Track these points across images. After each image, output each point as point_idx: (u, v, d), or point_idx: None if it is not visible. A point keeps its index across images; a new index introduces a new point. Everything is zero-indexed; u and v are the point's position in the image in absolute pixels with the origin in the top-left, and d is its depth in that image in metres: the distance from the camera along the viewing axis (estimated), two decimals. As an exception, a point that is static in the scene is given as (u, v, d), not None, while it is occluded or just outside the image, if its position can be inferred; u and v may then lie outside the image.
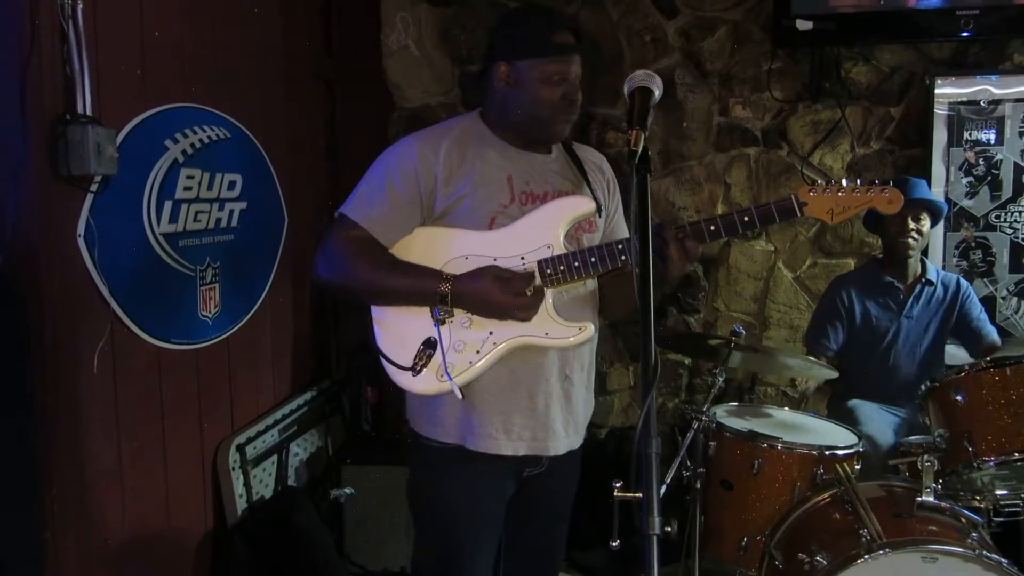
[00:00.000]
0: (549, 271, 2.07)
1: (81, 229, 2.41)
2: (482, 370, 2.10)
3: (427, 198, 2.12)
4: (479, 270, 2.06)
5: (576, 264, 2.06)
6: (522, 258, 2.09)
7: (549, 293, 2.09)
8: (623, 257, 2.04)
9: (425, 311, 2.11)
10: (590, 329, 2.12)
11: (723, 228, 2.02)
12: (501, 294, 2.02)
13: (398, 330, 2.15)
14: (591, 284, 2.23)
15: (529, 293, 2.05)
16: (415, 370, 2.10)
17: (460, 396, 2.10)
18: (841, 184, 2.02)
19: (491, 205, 2.12)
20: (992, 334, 3.66)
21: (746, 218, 2.01)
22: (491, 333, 2.09)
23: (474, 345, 2.09)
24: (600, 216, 2.24)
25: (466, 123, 2.24)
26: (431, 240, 2.14)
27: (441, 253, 2.12)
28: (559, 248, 2.09)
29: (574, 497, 2.45)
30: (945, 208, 3.63)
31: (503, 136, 2.20)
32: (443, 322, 2.09)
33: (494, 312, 2.06)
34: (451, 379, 2.08)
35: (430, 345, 2.09)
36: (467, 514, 2.22)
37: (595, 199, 2.17)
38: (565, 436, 2.24)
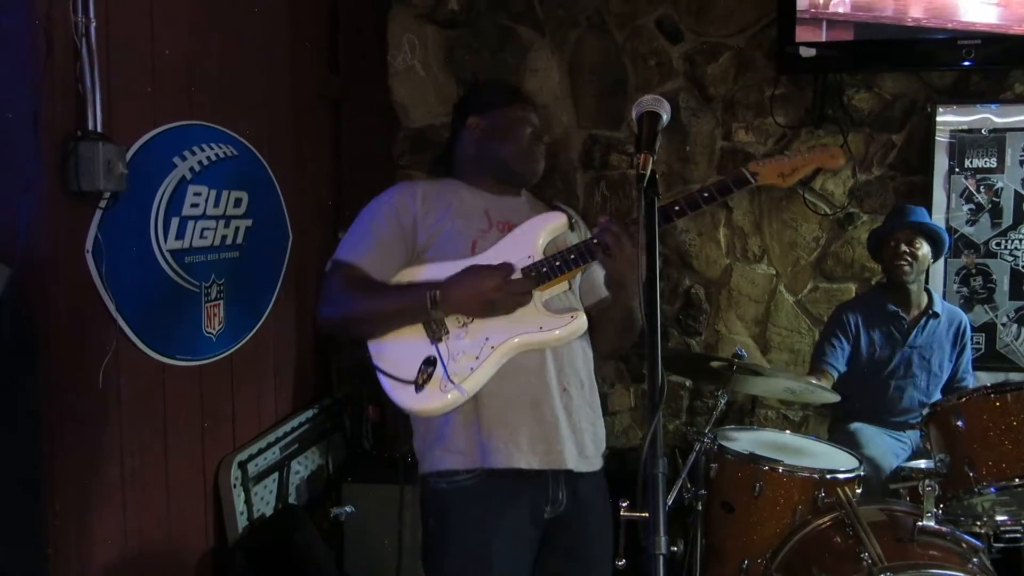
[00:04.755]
0: (533, 274, 2.14)
1: (89, 245, 2.43)
2: (484, 376, 2.12)
3: (410, 232, 2.23)
4: (463, 270, 2.13)
5: (557, 263, 2.14)
6: None
7: (537, 297, 2.15)
8: (602, 249, 2.11)
9: (421, 333, 2.14)
10: (582, 318, 2.16)
11: (686, 205, 2.10)
12: (490, 281, 2.08)
13: (396, 358, 2.16)
14: (574, 300, 2.30)
15: (516, 277, 2.12)
16: (417, 386, 2.11)
17: (465, 394, 2.10)
18: (784, 153, 2.19)
19: (471, 232, 2.23)
20: (967, 382, 3.71)
21: (706, 193, 2.10)
22: (487, 339, 2.12)
23: (472, 352, 2.12)
24: (572, 230, 2.32)
25: (440, 179, 2.41)
26: (418, 275, 2.22)
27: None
28: (540, 256, 2.18)
29: (611, 545, 2.30)
30: (943, 233, 3.64)
31: (478, 184, 2.35)
32: (439, 339, 2.12)
33: (487, 301, 2.09)
34: (455, 384, 2.09)
35: (430, 363, 2.12)
36: (486, 559, 2.16)
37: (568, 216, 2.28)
38: (575, 452, 2.22)
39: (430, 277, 2.18)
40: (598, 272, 2.35)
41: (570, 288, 2.27)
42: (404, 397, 2.13)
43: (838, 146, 2.20)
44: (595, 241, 2.11)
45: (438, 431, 2.18)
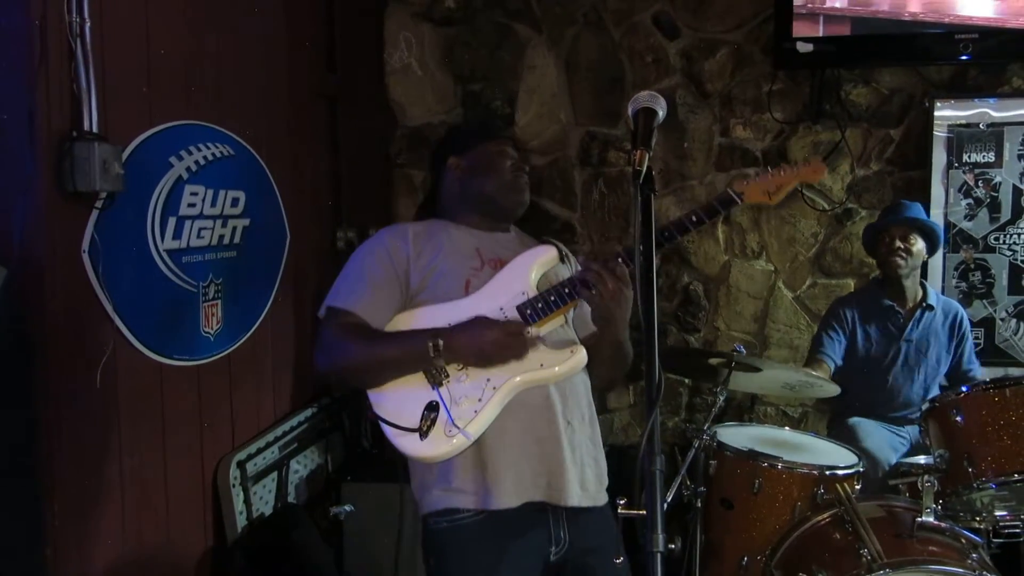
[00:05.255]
0: (529, 311, 2.13)
1: (86, 245, 2.42)
2: (488, 418, 2.09)
3: (403, 275, 2.20)
4: (468, 320, 2.10)
5: (552, 298, 2.13)
6: (501, 308, 2.14)
7: (535, 332, 2.13)
8: (585, 287, 2.09)
9: (421, 380, 2.11)
10: (582, 352, 2.13)
11: (676, 230, 2.13)
12: (493, 332, 2.06)
13: (398, 405, 2.13)
14: (571, 333, 2.28)
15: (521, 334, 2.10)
16: (422, 433, 2.07)
17: (470, 438, 2.07)
18: (767, 170, 2.20)
19: (464, 269, 2.21)
20: (974, 372, 3.72)
21: (694, 217, 2.13)
22: (488, 380, 2.10)
23: (475, 395, 2.09)
24: (563, 263, 2.32)
25: (426, 220, 2.39)
26: (414, 320, 2.19)
27: (427, 327, 2.15)
28: (533, 292, 2.16)
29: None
30: (938, 229, 3.67)
31: (465, 222, 2.34)
32: (440, 383, 2.10)
33: (488, 352, 2.07)
34: (460, 429, 2.06)
35: (432, 408, 2.09)
36: None
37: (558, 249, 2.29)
38: (578, 488, 2.19)
39: (427, 321, 2.15)
40: (587, 305, 2.32)
41: (566, 322, 2.26)
42: (409, 444, 2.09)
43: (820, 161, 2.24)
44: (578, 279, 2.10)
45: (439, 471, 2.15)
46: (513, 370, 2.10)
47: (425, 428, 2.07)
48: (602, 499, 2.27)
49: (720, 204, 2.14)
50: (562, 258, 2.30)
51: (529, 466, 2.13)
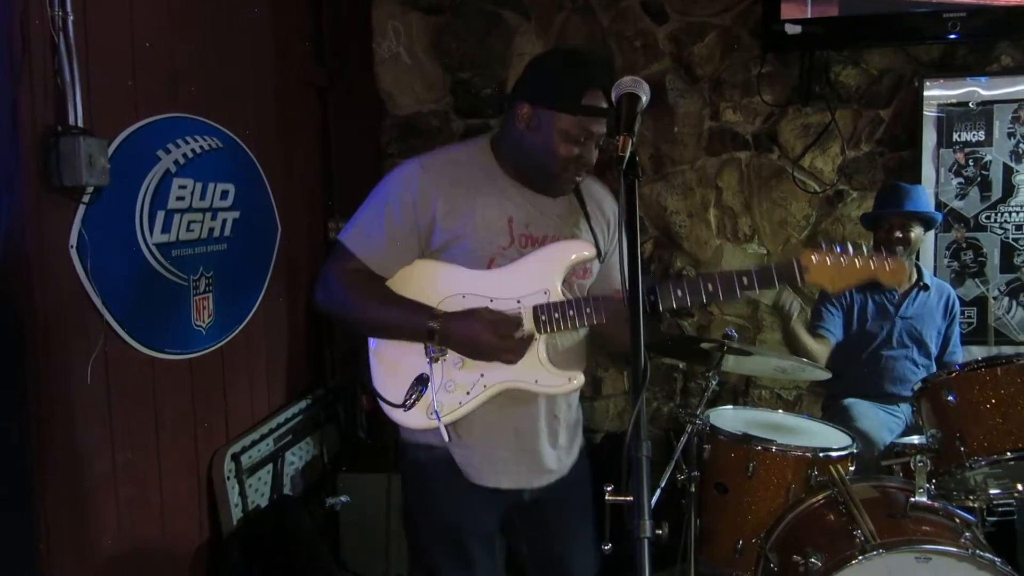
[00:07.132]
0: (544, 317, 2.08)
1: (73, 240, 2.41)
2: (470, 411, 2.13)
3: (425, 230, 2.13)
4: (470, 311, 2.08)
5: (571, 313, 2.07)
6: (518, 301, 2.10)
7: (542, 340, 2.11)
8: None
9: (419, 347, 2.13)
10: (580, 379, 2.14)
11: (722, 290, 2.02)
12: (488, 336, 2.04)
13: (393, 364, 2.17)
14: (583, 331, 2.26)
15: (517, 337, 2.07)
16: (405, 406, 2.12)
17: (447, 438, 2.13)
18: (847, 250, 2.05)
19: (490, 247, 2.14)
20: (957, 356, 3.74)
21: (745, 280, 2.03)
22: (482, 375, 2.11)
23: (464, 386, 2.11)
24: (600, 261, 2.27)
25: (474, 151, 2.21)
26: (429, 274, 2.16)
27: (439, 289, 2.14)
28: (556, 294, 2.10)
29: (592, 493, 2.39)
30: (938, 217, 3.67)
31: (510, 172, 2.18)
32: (436, 360, 2.11)
33: (480, 353, 2.08)
34: (439, 419, 2.10)
35: (422, 382, 2.11)
36: (456, 525, 2.24)
37: (596, 245, 2.20)
38: (556, 470, 2.26)
39: (446, 281, 2.13)
40: (614, 269, 2.29)
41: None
42: (391, 409, 2.18)
43: (901, 261, 2.09)
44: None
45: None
46: (509, 375, 2.11)
47: (409, 403, 2.12)
48: (575, 454, 2.35)
49: (779, 277, 2.04)
50: (600, 258, 2.26)
51: (503, 452, 2.18)
